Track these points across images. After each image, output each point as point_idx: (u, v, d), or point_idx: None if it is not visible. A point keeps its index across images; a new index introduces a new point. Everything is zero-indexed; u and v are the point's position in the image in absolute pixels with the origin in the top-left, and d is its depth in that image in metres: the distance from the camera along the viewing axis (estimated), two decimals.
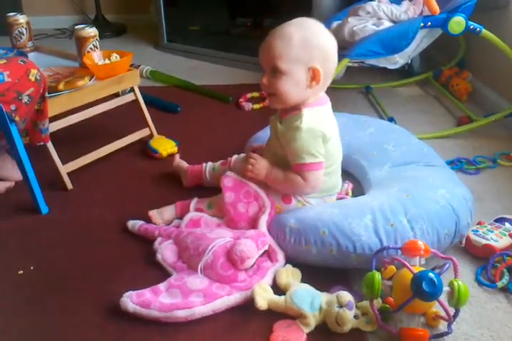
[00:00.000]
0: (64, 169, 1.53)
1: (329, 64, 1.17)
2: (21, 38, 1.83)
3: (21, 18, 1.81)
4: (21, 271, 1.21)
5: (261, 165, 1.25)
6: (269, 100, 1.22)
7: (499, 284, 1.14)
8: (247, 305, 1.07)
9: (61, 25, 3.25)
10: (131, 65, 1.72)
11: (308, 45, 1.13)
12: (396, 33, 1.68)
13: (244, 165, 1.26)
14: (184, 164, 1.55)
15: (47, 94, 1.37)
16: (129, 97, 1.74)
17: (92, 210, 1.44)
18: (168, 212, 1.36)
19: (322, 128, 1.18)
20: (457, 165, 1.63)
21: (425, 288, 0.96)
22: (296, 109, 1.20)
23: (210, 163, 1.51)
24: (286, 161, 1.22)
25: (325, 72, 1.16)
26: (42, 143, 1.44)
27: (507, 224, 1.28)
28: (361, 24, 1.80)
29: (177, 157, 1.59)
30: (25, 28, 1.83)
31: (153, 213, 1.35)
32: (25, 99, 1.28)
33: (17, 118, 1.29)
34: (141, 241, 1.30)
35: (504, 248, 1.22)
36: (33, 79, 1.29)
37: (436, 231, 1.16)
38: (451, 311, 1.00)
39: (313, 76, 1.15)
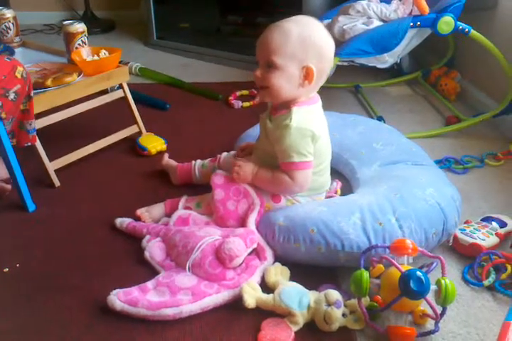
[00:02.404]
0: (51, 166, 1.51)
1: (324, 64, 1.17)
2: (8, 32, 1.81)
3: (8, 13, 1.80)
4: (7, 269, 1.20)
5: (246, 170, 1.24)
6: (261, 93, 1.22)
7: (485, 283, 1.15)
8: (236, 304, 1.07)
9: (49, 20, 3.21)
10: (120, 62, 1.71)
11: (305, 44, 1.13)
12: (386, 32, 1.69)
13: (230, 170, 1.26)
14: (173, 162, 1.54)
15: (32, 94, 1.36)
16: (117, 94, 1.72)
17: (80, 208, 1.43)
18: (157, 210, 1.35)
19: (311, 127, 1.18)
20: (445, 164, 1.65)
21: (413, 286, 0.96)
22: (286, 107, 1.20)
23: (199, 161, 1.51)
24: (276, 159, 1.22)
25: (318, 72, 1.15)
26: (29, 144, 1.42)
27: (494, 224, 1.29)
28: (351, 23, 1.81)
29: (166, 156, 1.58)
30: (12, 23, 1.81)
31: (141, 212, 1.34)
32: (11, 95, 1.27)
33: (3, 115, 1.27)
34: (129, 238, 1.29)
35: (491, 247, 1.23)
36: (19, 76, 1.28)
37: (424, 230, 1.17)
38: (439, 309, 1.01)
39: (306, 75, 1.15)
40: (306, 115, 1.19)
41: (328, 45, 1.17)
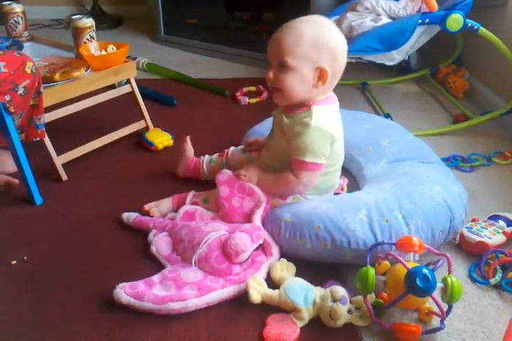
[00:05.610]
0: (59, 160, 1.52)
1: (337, 64, 1.16)
2: (17, 27, 1.81)
3: (17, 7, 1.80)
4: (14, 261, 1.21)
5: (252, 172, 1.25)
6: (274, 95, 1.20)
7: (492, 281, 1.15)
8: (241, 299, 1.08)
9: (57, 15, 3.22)
10: (127, 57, 1.71)
11: (318, 45, 1.12)
12: (394, 29, 1.68)
13: (237, 167, 1.27)
14: (191, 153, 1.50)
15: (42, 89, 1.36)
16: (125, 89, 1.72)
17: (87, 202, 1.43)
18: (166, 204, 1.35)
19: (331, 130, 1.17)
20: (452, 162, 1.64)
21: (419, 283, 0.96)
22: (304, 105, 1.19)
23: (207, 156, 1.50)
24: (290, 156, 1.20)
25: (332, 73, 1.15)
26: (38, 139, 1.43)
27: (501, 222, 1.28)
28: (359, 20, 1.80)
29: (189, 142, 1.50)
30: (21, 18, 1.81)
31: (150, 206, 1.34)
32: (20, 90, 1.27)
33: (12, 110, 1.28)
34: (136, 233, 1.29)
35: (497, 245, 1.23)
36: (29, 71, 1.28)
37: (430, 227, 1.16)
38: (444, 307, 1.00)
39: (320, 75, 1.14)
40: (326, 115, 1.18)
41: (342, 45, 1.15)
